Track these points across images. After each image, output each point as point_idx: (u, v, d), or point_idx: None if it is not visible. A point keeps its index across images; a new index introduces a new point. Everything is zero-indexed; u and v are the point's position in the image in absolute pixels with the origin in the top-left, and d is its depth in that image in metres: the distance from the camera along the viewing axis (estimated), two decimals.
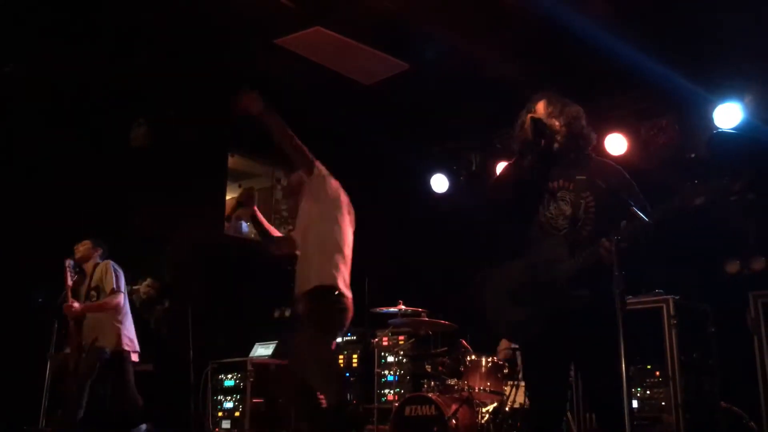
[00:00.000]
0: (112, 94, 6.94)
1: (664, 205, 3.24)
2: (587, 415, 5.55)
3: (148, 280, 6.65)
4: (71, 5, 5.97)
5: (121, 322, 6.19)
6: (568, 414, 5.52)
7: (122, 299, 6.20)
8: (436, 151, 8.61)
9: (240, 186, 9.03)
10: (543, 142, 3.55)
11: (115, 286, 6.16)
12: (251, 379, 7.00)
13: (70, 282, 6.11)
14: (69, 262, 6.22)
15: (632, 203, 3.24)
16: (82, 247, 6.40)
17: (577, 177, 3.53)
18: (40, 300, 6.19)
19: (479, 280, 3.73)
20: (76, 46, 6.35)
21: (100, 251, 6.43)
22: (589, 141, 3.68)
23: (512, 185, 3.63)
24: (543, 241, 3.52)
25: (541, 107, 3.70)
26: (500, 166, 8.02)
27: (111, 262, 6.30)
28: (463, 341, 6.60)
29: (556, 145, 3.59)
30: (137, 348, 6.29)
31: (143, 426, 6.06)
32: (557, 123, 3.61)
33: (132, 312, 6.43)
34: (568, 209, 3.51)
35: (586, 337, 3.31)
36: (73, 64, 6.50)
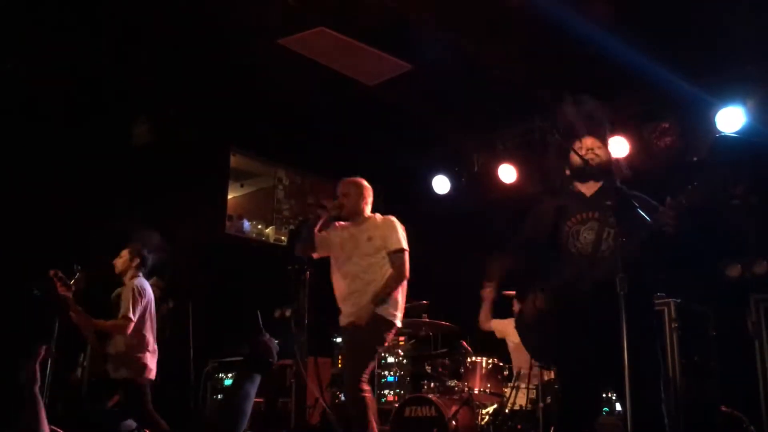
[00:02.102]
0: (114, 93, 6.94)
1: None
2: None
3: (153, 279, 6.58)
4: (73, 3, 5.97)
5: (142, 352, 5.78)
6: None
7: (129, 327, 5.66)
8: (438, 152, 8.60)
9: (242, 185, 9.05)
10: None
11: (127, 312, 5.66)
12: None
13: (64, 292, 5.60)
14: (53, 273, 5.63)
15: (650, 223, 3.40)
16: (120, 261, 5.97)
17: (607, 204, 3.65)
18: (35, 292, 5.95)
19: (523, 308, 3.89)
20: (78, 45, 6.35)
21: (137, 262, 5.95)
22: (622, 173, 3.90)
23: (551, 222, 3.82)
24: (569, 264, 3.69)
25: (589, 142, 3.88)
26: (502, 169, 8.03)
27: (137, 283, 5.83)
28: (464, 342, 6.61)
29: (597, 162, 3.72)
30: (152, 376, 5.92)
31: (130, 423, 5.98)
32: (603, 153, 3.83)
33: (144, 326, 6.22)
34: (592, 236, 3.67)
35: (612, 348, 3.36)
36: (75, 62, 6.50)
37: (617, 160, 3.94)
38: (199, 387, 7.13)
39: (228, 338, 7.34)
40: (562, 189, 3.98)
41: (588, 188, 3.86)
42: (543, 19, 5.85)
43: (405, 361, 7.41)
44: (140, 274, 5.96)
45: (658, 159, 6.95)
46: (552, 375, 5.75)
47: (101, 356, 5.81)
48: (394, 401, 7.12)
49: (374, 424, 4.63)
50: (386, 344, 5.10)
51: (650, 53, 6.05)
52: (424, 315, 6.76)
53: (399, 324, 4.95)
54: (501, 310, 6.89)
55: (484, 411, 6.02)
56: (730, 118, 6.56)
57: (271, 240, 8.98)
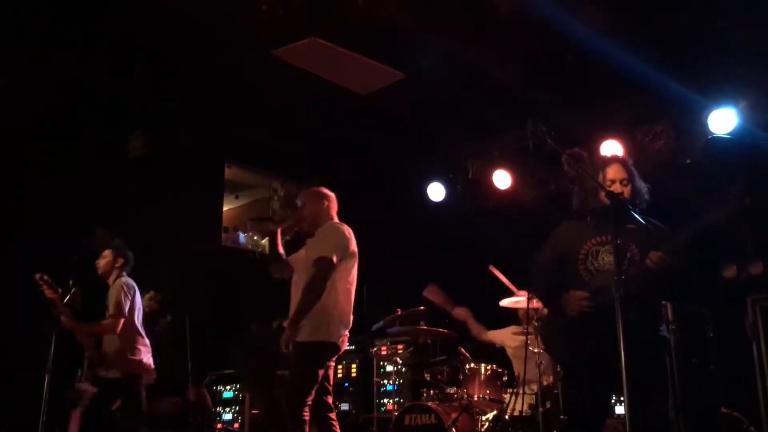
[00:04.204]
0: (109, 105, 6.94)
1: (690, 228, 3.55)
2: None
3: (151, 293, 6.57)
4: (67, 16, 5.97)
5: (134, 352, 5.76)
6: None
7: (118, 325, 5.66)
8: (432, 159, 8.61)
9: (237, 197, 9.04)
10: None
11: (115, 310, 5.65)
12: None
13: (50, 295, 5.56)
14: (39, 276, 5.59)
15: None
16: (102, 261, 5.93)
17: (628, 227, 3.73)
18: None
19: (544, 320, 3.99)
20: (72, 57, 6.36)
21: (121, 262, 5.93)
22: (645, 200, 3.96)
23: (568, 245, 3.94)
24: (592, 280, 3.79)
25: (616, 172, 3.93)
26: (497, 175, 8.04)
27: (124, 281, 5.81)
28: (462, 349, 6.60)
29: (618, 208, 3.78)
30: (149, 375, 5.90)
31: None
32: (627, 191, 3.88)
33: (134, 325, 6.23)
34: (611, 258, 3.72)
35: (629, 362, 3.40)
36: (70, 75, 6.50)
37: (641, 190, 3.98)
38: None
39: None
40: (580, 212, 4.07)
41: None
42: (536, 25, 5.88)
43: (404, 369, 7.40)
44: (125, 273, 5.93)
45: (651, 162, 6.96)
46: (551, 380, 5.75)
47: (97, 360, 5.80)
48: (393, 410, 7.11)
49: None
50: (328, 364, 4.78)
51: (643, 56, 6.07)
52: (421, 322, 6.76)
53: (336, 339, 4.66)
54: (497, 321, 6.89)
55: (483, 417, 6.01)
56: (723, 120, 6.59)
57: (267, 251, 8.94)
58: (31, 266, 6.37)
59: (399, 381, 7.36)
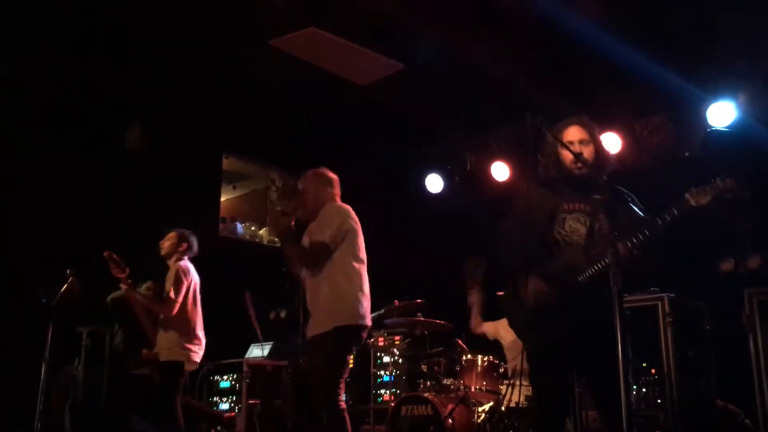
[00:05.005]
0: (106, 97, 6.93)
1: (673, 209, 3.32)
2: (584, 413, 5.55)
3: (149, 283, 6.56)
4: (63, 7, 5.95)
5: (185, 337, 5.78)
6: None
7: (173, 308, 5.68)
8: (430, 150, 8.60)
9: (234, 188, 9.03)
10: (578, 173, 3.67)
11: (171, 292, 5.69)
12: (247, 380, 6.99)
13: (117, 273, 5.68)
14: (108, 254, 5.70)
15: (645, 218, 3.34)
16: (167, 243, 5.98)
17: (594, 197, 3.65)
18: (44, 300, 5.96)
19: (507, 293, 3.82)
20: (69, 49, 6.34)
21: (185, 246, 5.97)
22: (611, 165, 3.82)
23: (530, 215, 3.71)
24: (563, 253, 3.64)
25: (575, 133, 3.77)
26: (495, 167, 8.04)
27: (181, 264, 5.85)
28: (459, 341, 6.61)
29: (583, 172, 3.66)
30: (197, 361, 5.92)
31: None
32: (588, 151, 3.72)
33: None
34: (582, 229, 3.65)
35: (596, 341, 3.38)
36: (66, 66, 6.48)
37: (605, 153, 3.86)
38: (194, 389, 7.11)
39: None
40: (549, 180, 3.89)
41: (575, 179, 3.79)
42: (535, 17, 5.87)
43: (401, 360, 7.40)
44: (186, 258, 5.97)
45: (650, 155, 6.96)
46: None
47: (153, 339, 5.83)
48: (390, 401, 7.12)
49: None
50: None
51: (641, 49, 6.06)
52: (418, 314, 6.76)
53: (361, 320, 4.61)
54: (490, 312, 6.90)
55: (480, 409, 6.01)
56: (722, 113, 6.58)
57: (265, 242, 8.96)
58: (28, 255, 6.38)
59: (396, 372, 7.37)
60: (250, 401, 7.00)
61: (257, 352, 7.58)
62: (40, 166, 6.67)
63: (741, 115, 6.51)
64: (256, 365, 7.21)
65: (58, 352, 5.94)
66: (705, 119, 6.66)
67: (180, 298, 5.72)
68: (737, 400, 5.64)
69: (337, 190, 4.99)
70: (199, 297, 5.98)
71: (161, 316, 5.86)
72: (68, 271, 5.78)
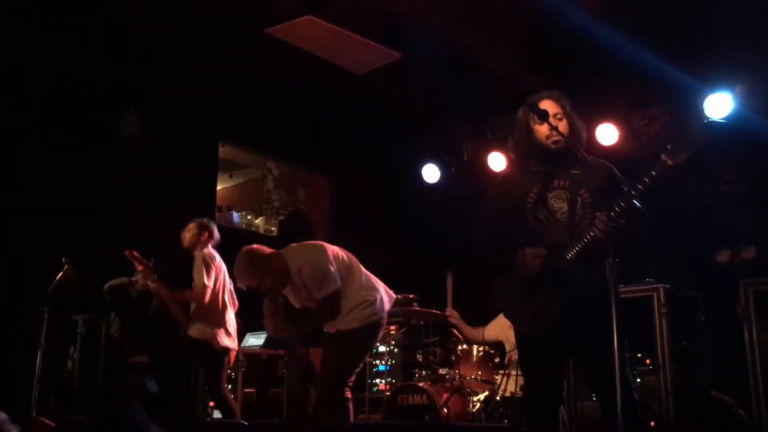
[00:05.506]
0: (102, 86, 6.90)
1: (651, 170, 3.25)
2: (579, 403, 5.58)
3: (138, 276, 6.55)
4: None
5: (216, 325, 5.76)
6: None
7: (204, 295, 5.65)
8: (427, 140, 8.59)
9: (231, 176, 9.02)
10: (555, 148, 3.59)
11: (202, 279, 5.64)
12: (243, 369, 7.00)
13: (141, 268, 5.76)
14: (129, 253, 5.76)
15: (624, 187, 3.27)
16: (188, 234, 5.94)
17: (573, 173, 3.58)
18: (40, 288, 5.92)
19: (498, 281, 3.74)
20: (64, 37, 6.31)
21: (206, 235, 5.91)
22: (584, 139, 3.73)
23: (512, 195, 3.67)
24: (547, 232, 3.55)
25: (549, 107, 3.66)
26: (492, 157, 8.03)
27: (206, 252, 5.81)
28: (455, 330, 6.62)
29: (560, 146, 3.61)
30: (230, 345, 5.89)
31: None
32: (563, 125, 3.63)
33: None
34: (564, 206, 3.57)
35: (588, 327, 3.35)
36: (61, 56, 6.45)
37: (580, 126, 3.73)
38: (190, 380, 7.11)
39: None
40: (521, 158, 3.81)
41: (552, 156, 3.69)
42: (532, 8, 5.85)
43: (396, 350, 7.43)
44: (210, 246, 5.93)
45: (647, 146, 6.96)
46: None
47: (184, 322, 5.85)
48: (385, 390, 7.14)
49: None
50: None
51: (638, 41, 6.05)
52: (414, 304, 6.77)
53: (378, 316, 4.85)
54: (481, 315, 6.85)
55: (475, 398, 6.04)
56: (719, 105, 6.57)
57: (261, 231, 8.96)
58: (24, 244, 6.36)
59: (391, 362, 7.39)
60: (246, 389, 7.02)
61: (253, 341, 7.59)
62: (36, 156, 6.65)
63: (738, 106, 6.50)
64: (252, 354, 7.23)
65: (53, 340, 5.96)
66: (702, 111, 6.65)
67: (210, 283, 5.69)
68: (732, 391, 5.65)
69: (271, 251, 4.90)
70: (228, 283, 5.91)
71: (192, 306, 5.85)
72: (63, 259, 5.77)
